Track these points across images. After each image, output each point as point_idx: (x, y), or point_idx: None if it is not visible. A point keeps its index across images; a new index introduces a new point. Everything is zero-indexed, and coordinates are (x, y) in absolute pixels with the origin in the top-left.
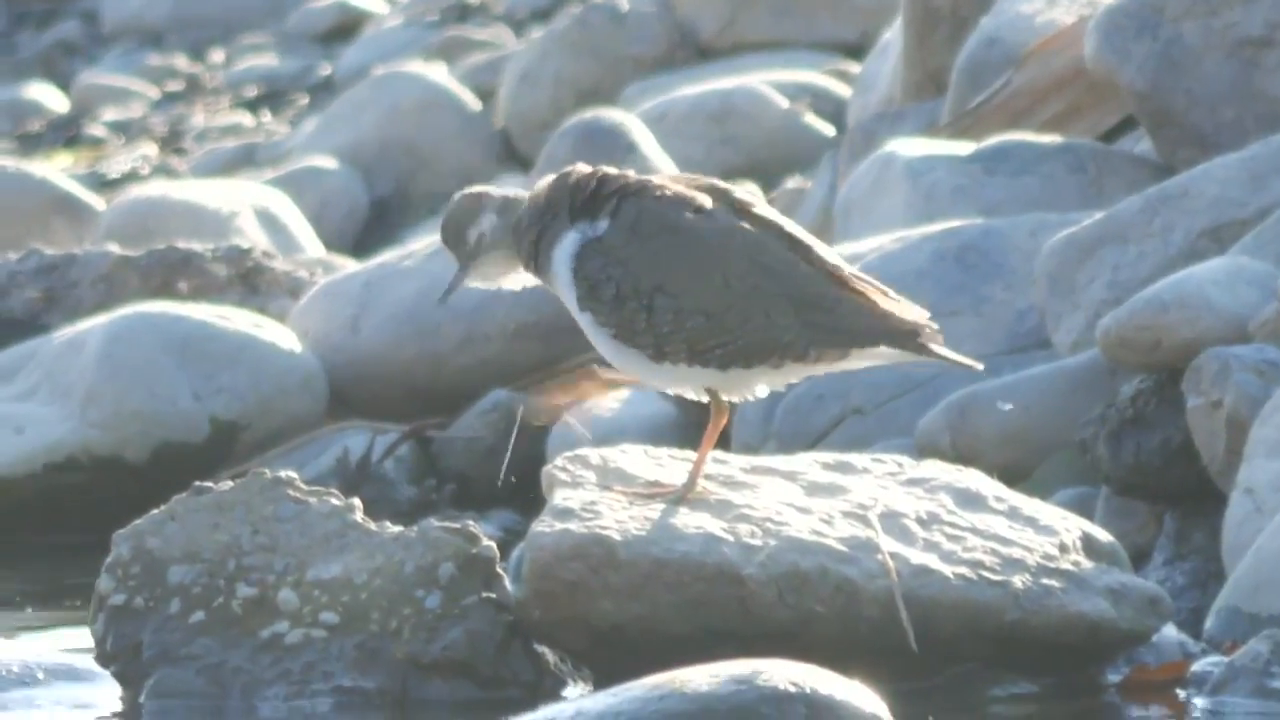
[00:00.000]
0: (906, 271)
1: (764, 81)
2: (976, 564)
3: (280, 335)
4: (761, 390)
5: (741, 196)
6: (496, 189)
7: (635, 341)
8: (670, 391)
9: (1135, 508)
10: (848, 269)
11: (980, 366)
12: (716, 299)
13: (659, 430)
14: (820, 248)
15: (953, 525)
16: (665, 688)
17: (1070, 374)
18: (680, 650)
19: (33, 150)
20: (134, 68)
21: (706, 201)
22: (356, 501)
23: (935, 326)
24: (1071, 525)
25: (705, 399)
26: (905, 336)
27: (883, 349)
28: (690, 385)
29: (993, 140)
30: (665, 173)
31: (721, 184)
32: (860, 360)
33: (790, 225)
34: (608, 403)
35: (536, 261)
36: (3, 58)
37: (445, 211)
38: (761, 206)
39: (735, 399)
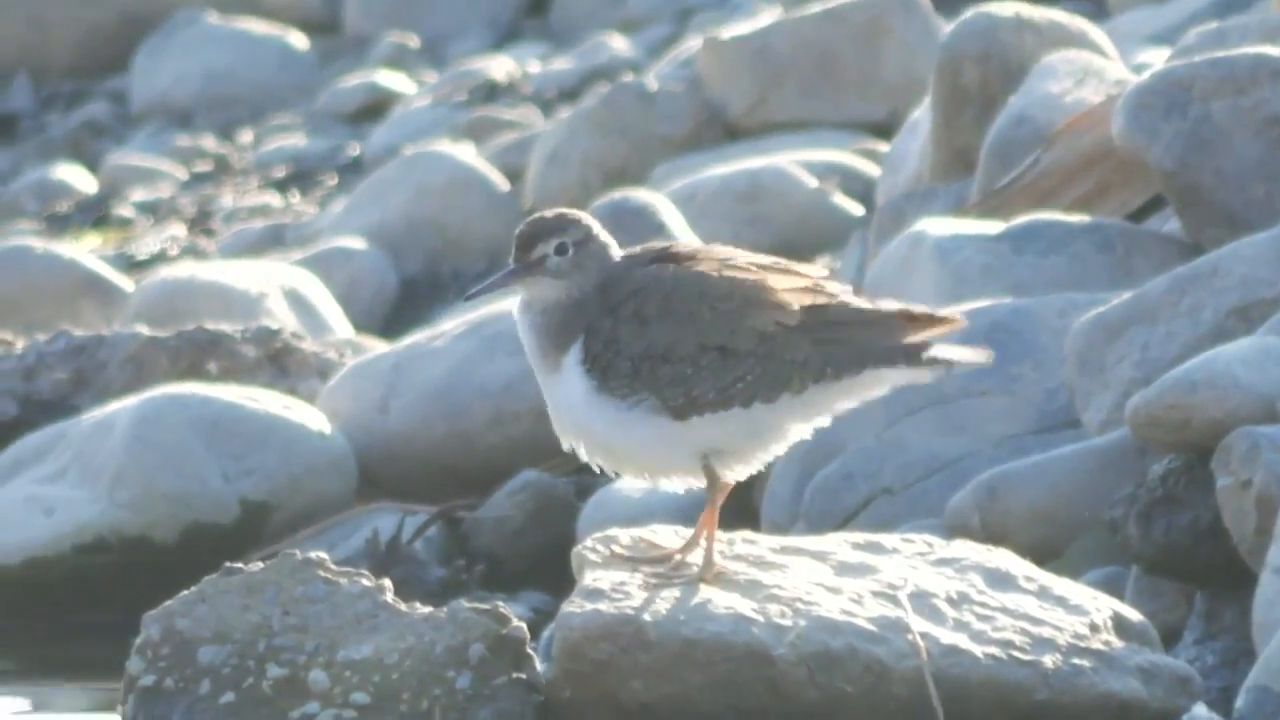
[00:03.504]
0: None
1: (792, 161)
2: (1007, 643)
3: (309, 416)
4: (772, 452)
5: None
6: (596, 222)
7: (663, 399)
8: (669, 480)
9: (1165, 587)
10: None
11: (987, 359)
12: (715, 333)
13: (688, 510)
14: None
15: (983, 605)
16: None
17: (1100, 453)
18: None
19: (61, 231)
20: (162, 148)
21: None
22: (387, 582)
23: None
24: (1102, 605)
25: (702, 480)
26: (911, 354)
27: (896, 369)
28: (702, 451)
29: (1021, 219)
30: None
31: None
32: (877, 382)
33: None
34: (637, 483)
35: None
36: (31, 138)
37: (536, 216)
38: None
39: (739, 472)
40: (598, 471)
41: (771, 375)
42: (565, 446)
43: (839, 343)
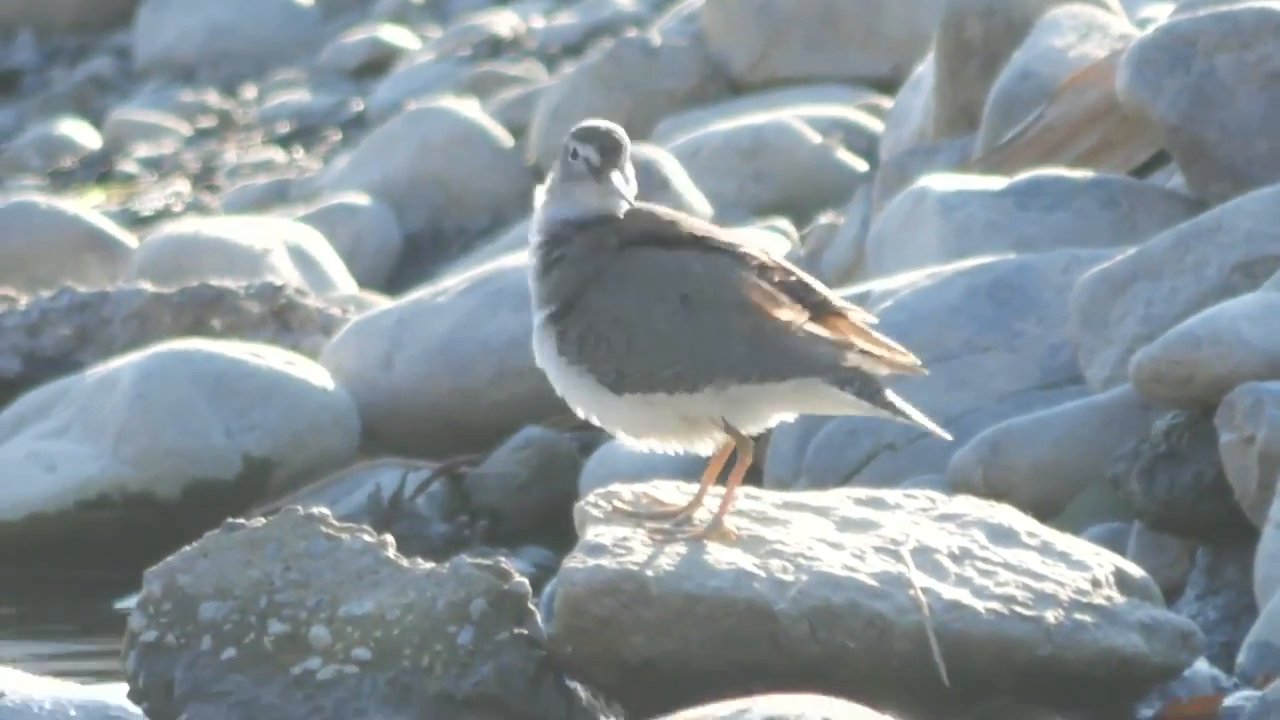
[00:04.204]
0: (939, 307)
1: (796, 116)
2: (1009, 599)
3: (313, 372)
4: (773, 418)
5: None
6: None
7: (600, 373)
8: (663, 440)
9: (1168, 543)
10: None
11: (949, 437)
12: (668, 322)
13: (692, 467)
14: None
15: (985, 560)
16: None
17: (1103, 409)
18: (712, 685)
19: (65, 187)
20: (166, 104)
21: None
22: (389, 538)
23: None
24: (1104, 560)
25: (718, 444)
26: (832, 370)
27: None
28: (672, 419)
29: (1025, 175)
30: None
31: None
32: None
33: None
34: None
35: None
36: (35, 94)
37: (603, 128)
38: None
39: (750, 430)
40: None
41: (696, 371)
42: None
43: (774, 351)
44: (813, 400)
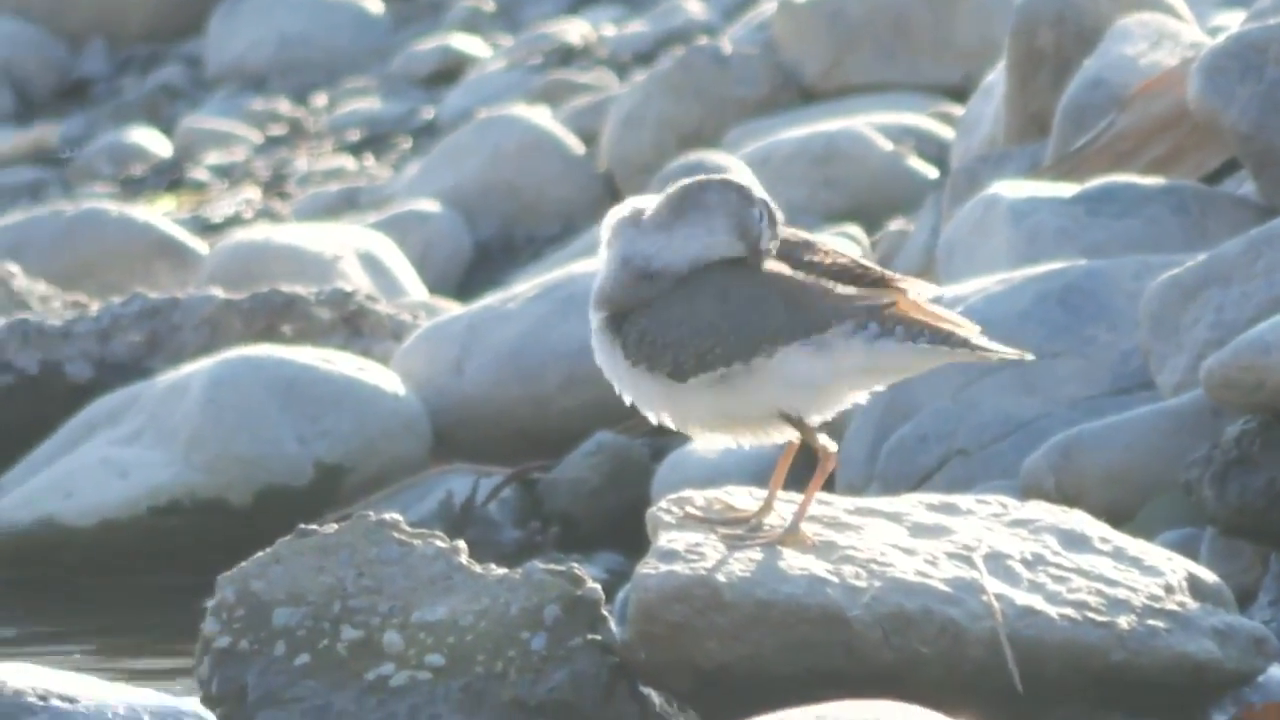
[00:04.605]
0: (1009, 313)
1: (867, 124)
2: (1081, 605)
3: (384, 378)
4: (833, 406)
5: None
6: None
7: (658, 365)
8: (740, 434)
9: (1241, 548)
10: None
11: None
12: (716, 310)
13: (763, 472)
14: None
15: (1058, 566)
16: None
17: (1174, 415)
18: (785, 692)
19: (136, 194)
20: (237, 112)
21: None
22: (461, 544)
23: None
24: (1177, 566)
25: (777, 439)
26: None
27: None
28: (754, 410)
29: (1096, 182)
30: None
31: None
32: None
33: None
34: (712, 444)
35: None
36: (107, 102)
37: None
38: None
39: (816, 418)
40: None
41: (741, 340)
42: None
43: (811, 305)
44: (872, 360)
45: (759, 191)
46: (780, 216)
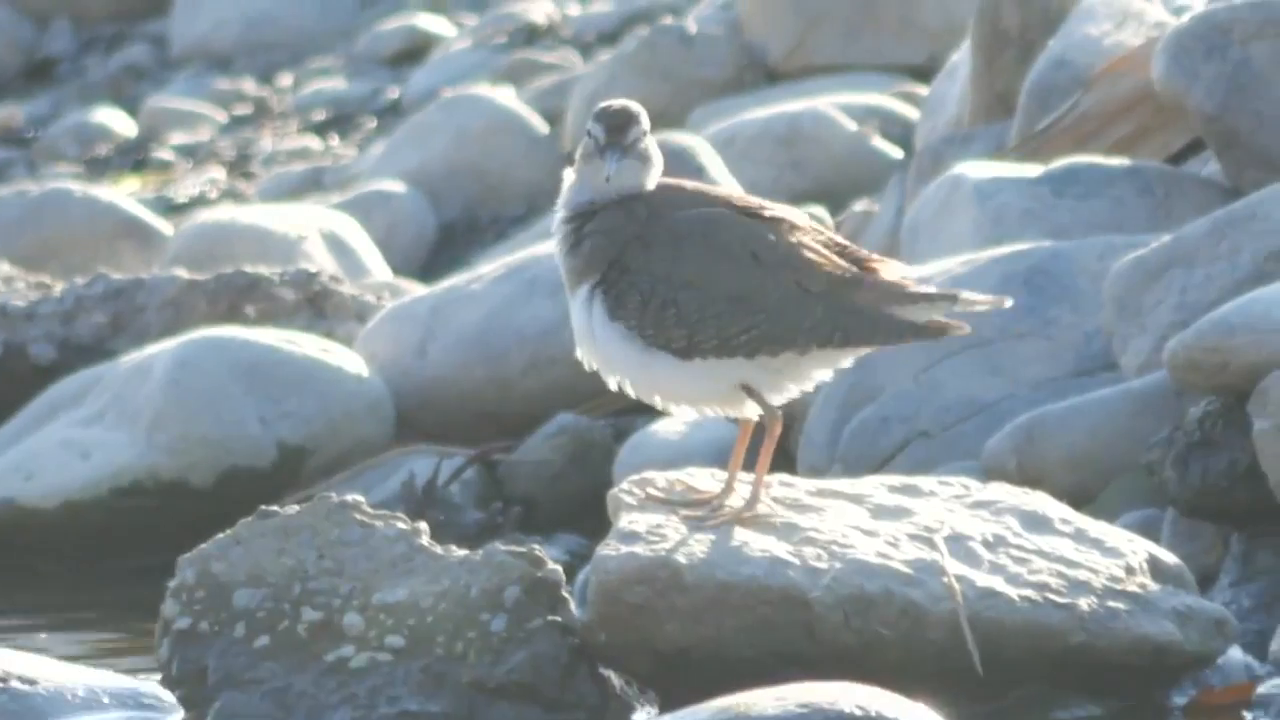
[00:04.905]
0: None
1: (832, 104)
2: (1042, 586)
3: (347, 359)
4: (794, 388)
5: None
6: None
7: (667, 340)
8: (706, 408)
9: (1202, 530)
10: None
11: (1009, 303)
12: (743, 282)
13: (725, 453)
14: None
15: (1019, 548)
16: (731, 711)
17: (1137, 396)
18: (746, 673)
19: (100, 174)
20: (202, 92)
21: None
22: (423, 525)
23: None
24: (1138, 547)
25: (735, 412)
26: (930, 332)
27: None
28: (717, 388)
29: (1061, 162)
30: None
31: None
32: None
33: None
34: (674, 426)
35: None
36: (71, 81)
37: (618, 104)
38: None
39: (776, 399)
40: (615, 390)
41: (778, 334)
42: (586, 366)
43: (853, 313)
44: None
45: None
46: (618, 115)
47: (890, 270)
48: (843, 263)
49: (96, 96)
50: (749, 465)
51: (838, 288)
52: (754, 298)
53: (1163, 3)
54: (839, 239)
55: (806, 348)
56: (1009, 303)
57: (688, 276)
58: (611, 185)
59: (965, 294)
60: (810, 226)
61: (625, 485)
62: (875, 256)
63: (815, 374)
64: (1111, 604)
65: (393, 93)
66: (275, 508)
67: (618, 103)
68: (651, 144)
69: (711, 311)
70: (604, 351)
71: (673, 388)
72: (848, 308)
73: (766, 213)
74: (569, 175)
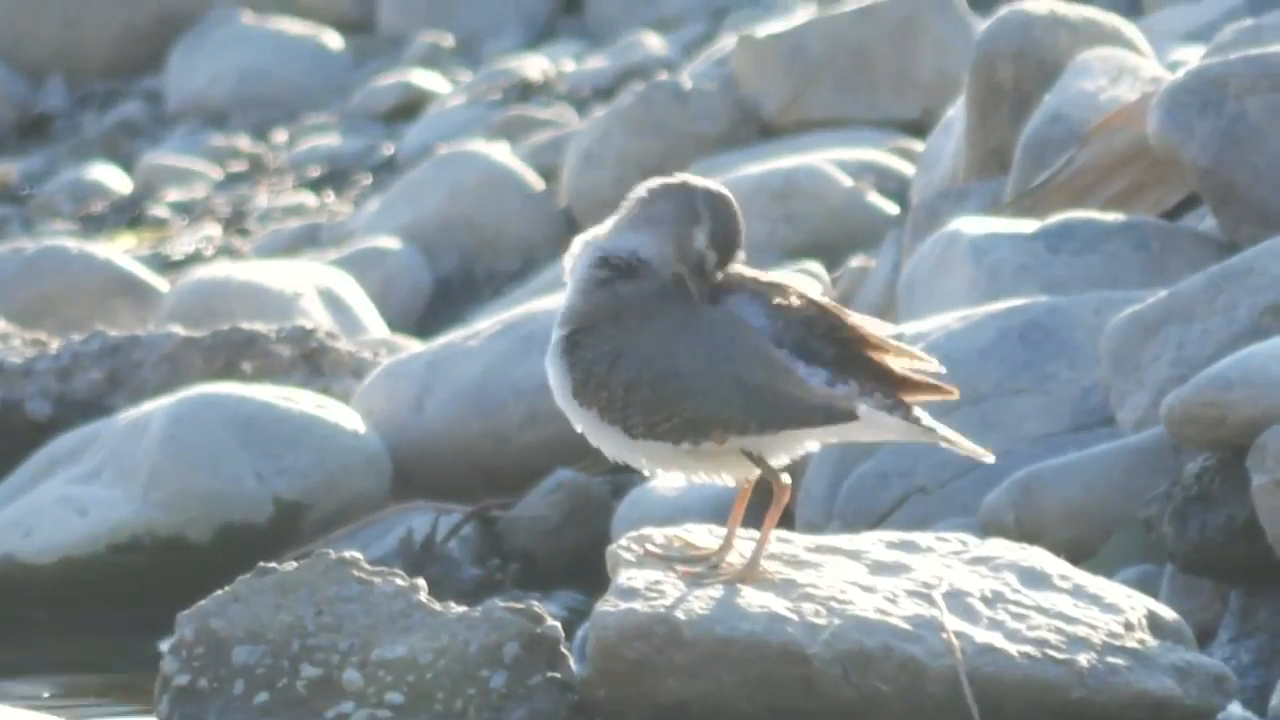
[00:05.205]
0: (970, 350)
1: (827, 160)
2: (1041, 642)
3: (344, 416)
4: (795, 451)
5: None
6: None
7: (610, 418)
8: (705, 475)
9: (1200, 585)
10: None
11: (991, 458)
12: (668, 365)
13: (724, 509)
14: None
15: (1017, 603)
16: None
17: (1135, 452)
18: None
19: (96, 231)
20: (197, 148)
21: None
22: (421, 582)
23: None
24: (1136, 603)
25: (747, 478)
26: (837, 416)
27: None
28: (733, 462)
29: (1056, 218)
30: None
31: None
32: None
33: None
34: (672, 482)
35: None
36: (66, 138)
37: (734, 212)
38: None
39: (778, 461)
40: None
41: (696, 424)
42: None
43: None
44: (844, 431)
45: (724, 208)
46: (739, 238)
47: (875, 330)
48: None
49: (91, 153)
50: (748, 522)
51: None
52: (673, 386)
53: (1158, 57)
54: (829, 305)
55: (724, 437)
56: (990, 458)
57: (624, 351)
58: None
59: (945, 432)
60: (797, 290)
61: (624, 541)
62: (864, 324)
63: (807, 445)
64: (1110, 659)
65: (388, 149)
66: (273, 564)
67: (735, 212)
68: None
69: (635, 396)
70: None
71: (646, 457)
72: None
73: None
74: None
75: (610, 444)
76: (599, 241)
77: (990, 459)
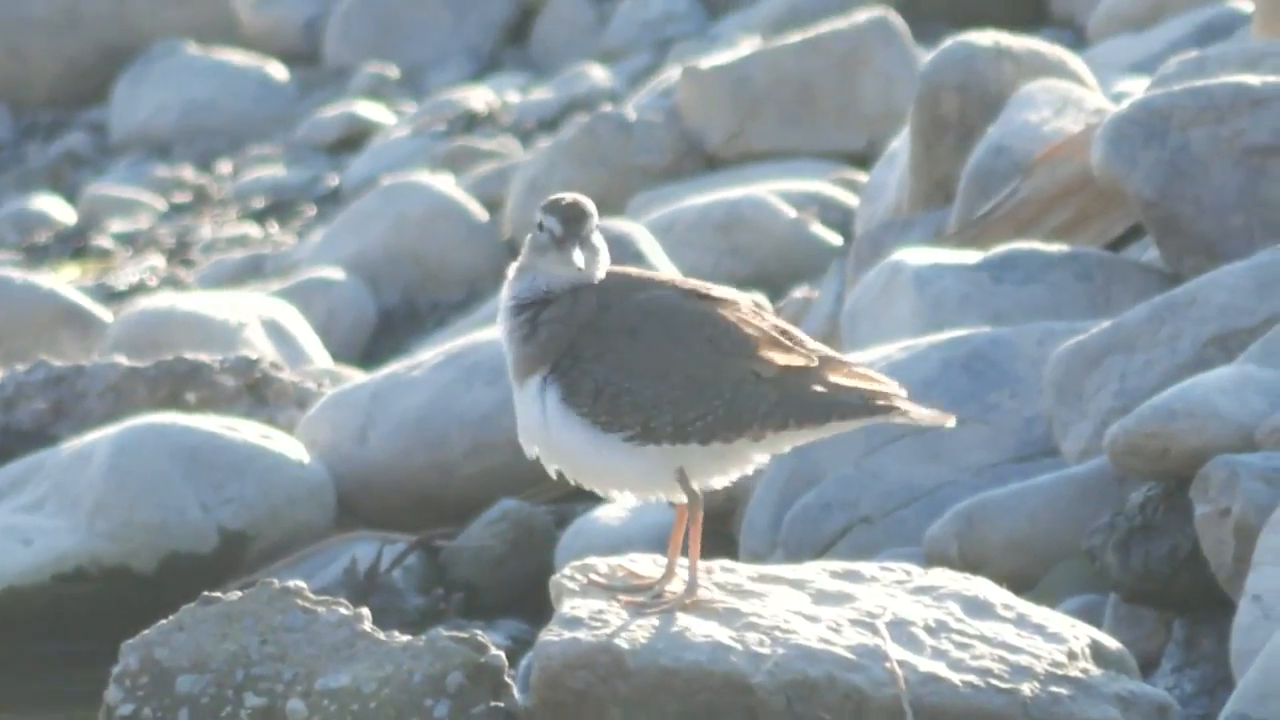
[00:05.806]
0: (914, 380)
1: (771, 191)
2: (985, 671)
3: (288, 446)
4: (735, 472)
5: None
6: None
7: (621, 426)
8: (649, 493)
9: (1144, 615)
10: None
11: (951, 422)
12: (698, 368)
13: (666, 538)
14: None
15: (961, 633)
16: None
17: (1078, 482)
18: None
19: (40, 262)
20: (141, 179)
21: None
22: (365, 611)
23: (902, 392)
24: (1080, 633)
25: (676, 497)
26: (882, 410)
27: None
28: (664, 473)
29: (1000, 249)
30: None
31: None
32: (837, 429)
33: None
34: (616, 512)
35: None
36: (10, 169)
37: (568, 199)
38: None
39: (712, 483)
40: (555, 478)
41: (732, 419)
42: (529, 454)
43: (804, 396)
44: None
45: (557, 198)
46: (576, 207)
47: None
48: (795, 346)
49: (36, 184)
50: (688, 550)
51: (789, 373)
52: (710, 384)
53: (1102, 89)
54: (781, 323)
55: (761, 433)
56: (952, 422)
57: (642, 364)
58: (566, 275)
59: (909, 406)
60: (751, 309)
61: (567, 571)
62: (815, 345)
63: (756, 458)
64: (1054, 689)
65: (332, 180)
66: (218, 594)
67: (569, 196)
68: (599, 236)
69: (668, 398)
70: (555, 438)
71: (619, 473)
72: (800, 393)
73: (714, 293)
74: (514, 269)
75: (595, 459)
76: (506, 291)
77: (951, 422)
